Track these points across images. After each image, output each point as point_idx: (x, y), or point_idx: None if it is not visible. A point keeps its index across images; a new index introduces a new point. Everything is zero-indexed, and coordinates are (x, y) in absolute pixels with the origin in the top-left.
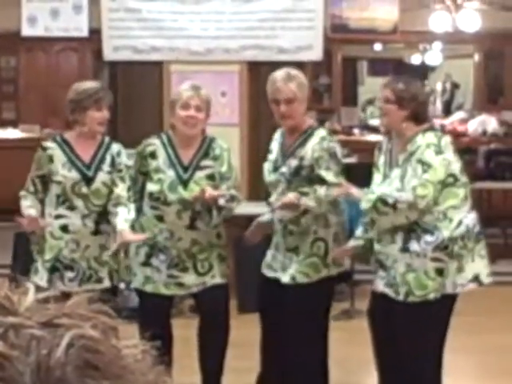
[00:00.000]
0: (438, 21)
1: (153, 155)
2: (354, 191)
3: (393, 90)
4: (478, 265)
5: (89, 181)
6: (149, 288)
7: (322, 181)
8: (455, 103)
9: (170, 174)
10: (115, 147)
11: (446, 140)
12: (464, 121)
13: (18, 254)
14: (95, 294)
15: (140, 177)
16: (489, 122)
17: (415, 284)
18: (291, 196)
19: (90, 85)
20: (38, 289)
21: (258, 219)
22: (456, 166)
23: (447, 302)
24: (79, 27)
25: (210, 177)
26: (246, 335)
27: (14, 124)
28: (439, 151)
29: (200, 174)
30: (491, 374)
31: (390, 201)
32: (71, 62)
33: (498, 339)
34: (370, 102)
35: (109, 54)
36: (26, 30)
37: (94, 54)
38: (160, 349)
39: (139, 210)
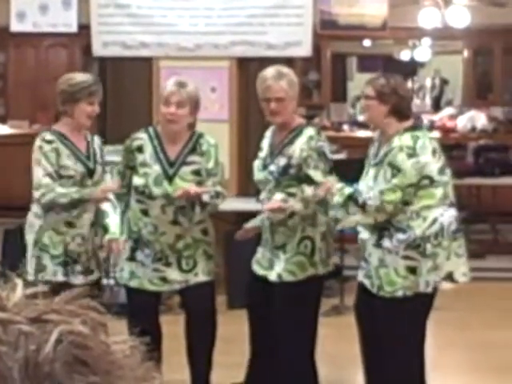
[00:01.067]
0: (427, 17)
1: (140, 149)
2: (338, 186)
3: (373, 86)
4: (454, 263)
5: (91, 173)
6: (134, 283)
7: (311, 180)
8: (444, 99)
9: (155, 169)
10: (97, 140)
11: (424, 141)
12: (453, 117)
13: (7, 251)
14: (84, 289)
15: (127, 171)
16: (478, 118)
17: (385, 280)
18: (278, 199)
19: (84, 77)
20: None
21: (245, 226)
22: (434, 166)
23: (421, 300)
24: (68, 23)
25: (196, 172)
26: (235, 331)
27: (2, 120)
28: (413, 154)
29: (186, 170)
30: (479, 369)
31: (360, 201)
32: (60, 57)
33: (486, 335)
34: (360, 98)
35: (98, 50)
36: (15, 26)
37: (83, 50)
38: (149, 344)
39: (127, 205)
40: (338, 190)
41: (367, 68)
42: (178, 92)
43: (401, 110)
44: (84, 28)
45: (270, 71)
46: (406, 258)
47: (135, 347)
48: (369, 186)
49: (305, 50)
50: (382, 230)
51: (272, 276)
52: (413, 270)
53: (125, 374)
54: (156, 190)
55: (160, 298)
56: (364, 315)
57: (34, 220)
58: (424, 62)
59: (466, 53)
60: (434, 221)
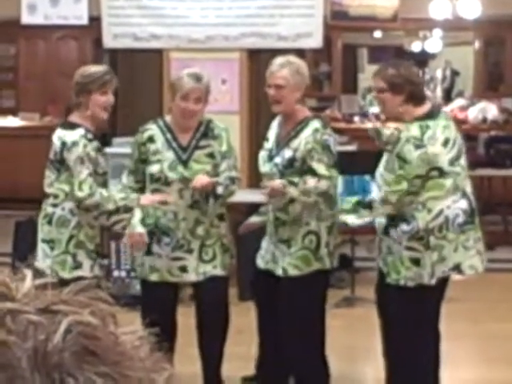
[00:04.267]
0: (438, 8)
1: (151, 139)
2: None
3: (383, 78)
4: (461, 255)
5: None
6: (154, 277)
7: (313, 173)
8: (455, 90)
9: (168, 155)
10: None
11: (434, 131)
12: (464, 108)
13: (18, 243)
14: (93, 281)
15: (140, 166)
16: (489, 109)
17: (392, 267)
18: (277, 182)
19: (96, 68)
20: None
21: (246, 221)
22: (444, 157)
23: (427, 292)
24: (79, 15)
25: (210, 155)
26: (246, 322)
27: (13, 112)
28: (420, 145)
29: (200, 153)
30: (489, 361)
31: (366, 201)
32: (71, 49)
33: (496, 327)
34: (370, 89)
35: (109, 42)
36: (26, 18)
37: (94, 42)
38: (159, 336)
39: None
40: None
41: (378, 59)
42: (197, 88)
43: (416, 96)
44: (95, 20)
45: (278, 59)
46: (409, 248)
47: (144, 338)
48: (381, 173)
49: (316, 41)
50: (388, 219)
51: (277, 270)
52: (416, 262)
53: (134, 365)
54: (171, 175)
55: (178, 289)
56: (379, 300)
57: (68, 217)
58: (435, 53)
59: (476, 44)
60: (440, 213)
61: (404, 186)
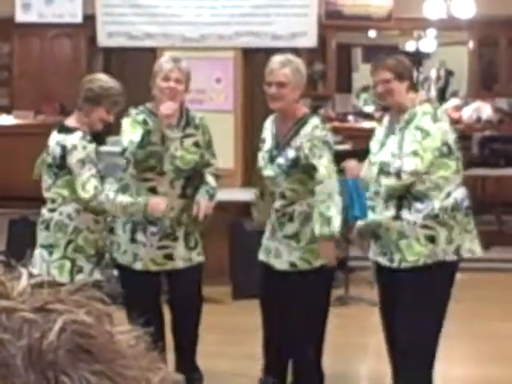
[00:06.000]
0: (433, 7)
1: (145, 122)
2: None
3: (388, 68)
4: (463, 238)
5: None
6: (138, 266)
7: (314, 170)
8: (450, 90)
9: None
10: None
11: (442, 110)
12: (458, 108)
13: (12, 241)
14: (90, 280)
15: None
16: (483, 109)
17: (407, 250)
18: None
19: (113, 84)
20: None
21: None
22: (451, 136)
23: (442, 268)
24: (73, 13)
25: (196, 144)
26: (240, 321)
27: (7, 110)
28: (436, 119)
29: (189, 142)
30: (484, 360)
31: (392, 170)
32: (65, 48)
33: (490, 326)
34: (365, 89)
35: (103, 40)
36: (20, 16)
37: (88, 40)
38: (153, 334)
39: (125, 187)
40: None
41: (372, 59)
42: (176, 69)
43: (414, 82)
44: (89, 18)
45: (277, 57)
46: (424, 227)
47: (140, 337)
48: (394, 153)
49: (310, 40)
50: (400, 200)
51: (282, 265)
52: (432, 239)
53: (129, 364)
54: (167, 166)
55: (160, 278)
56: (380, 290)
57: (66, 221)
58: (429, 52)
59: (471, 44)
60: (449, 194)
61: (429, 156)
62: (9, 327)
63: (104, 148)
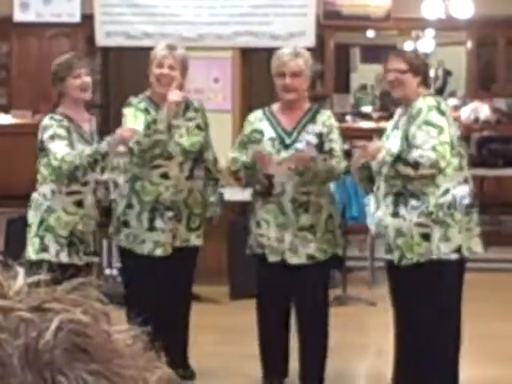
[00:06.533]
0: (431, 7)
1: (147, 111)
2: (372, 150)
3: (405, 60)
4: (463, 237)
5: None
6: (158, 252)
7: (329, 155)
8: (447, 90)
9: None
10: (94, 122)
11: (446, 104)
12: (456, 108)
13: (10, 240)
14: (87, 279)
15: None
16: (481, 110)
17: (406, 247)
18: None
19: (64, 56)
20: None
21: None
22: (454, 132)
23: (443, 268)
24: (71, 13)
25: (198, 126)
26: (237, 321)
27: (5, 110)
28: (442, 113)
29: (192, 125)
30: (481, 360)
31: (411, 160)
32: (63, 47)
33: (488, 326)
34: (363, 88)
35: (101, 40)
36: (18, 16)
37: (87, 40)
38: (150, 334)
39: (135, 178)
40: (385, 151)
41: (370, 59)
42: (170, 56)
43: (427, 79)
44: (87, 18)
45: (286, 49)
46: (419, 225)
47: (137, 336)
48: (394, 147)
49: (308, 40)
50: (397, 196)
51: (298, 259)
52: (426, 237)
53: (126, 363)
54: (175, 150)
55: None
56: (390, 288)
57: (41, 200)
58: (427, 52)
59: (469, 44)
60: (447, 191)
61: (447, 150)
62: (5, 327)
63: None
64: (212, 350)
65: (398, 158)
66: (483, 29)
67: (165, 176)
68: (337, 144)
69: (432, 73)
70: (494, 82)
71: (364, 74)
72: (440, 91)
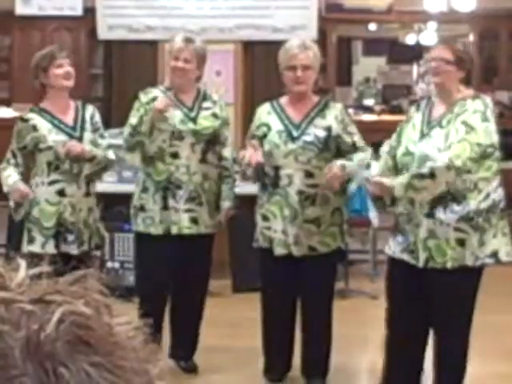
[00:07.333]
0: (433, 0)
1: (155, 100)
2: (387, 182)
3: (453, 51)
4: (499, 241)
5: (77, 141)
6: (174, 230)
7: (353, 148)
8: None
9: (176, 113)
10: (90, 108)
11: (491, 109)
12: None
13: (12, 233)
14: (89, 271)
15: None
16: None
17: (436, 251)
18: (338, 165)
19: (44, 49)
20: (36, 257)
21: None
22: (496, 137)
23: (469, 275)
24: (73, 6)
25: (214, 115)
26: (240, 315)
27: (7, 103)
28: (485, 119)
29: (205, 113)
30: (488, 354)
31: (426, 171)
32: (65, 41)
33: (496, 319)
34: (366, 81)
35: (103, 33)
36: (21, 9)
37: (89, 33)
38: (152, 327)
39: (145, 160)
40: (393, 184)
41: (372, 52)
42: (186, 48)
43: (470, 77)
44: (89, 11)
45: (296, 41)
46: (457, 230)
47: (139, 329)
48: (439, 148)
49: (310, 33)
50: (437, 198)
51: (300, 251)
52: (461, 243)
53: (127, 355)
54: (184, 128)
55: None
56: (398, 287)
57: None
58: (429, 45)
59: (471, 37)
60: (487, 195)
61: (467, 149)
62: (7, 318)
63: (104, 141)
64: (214, 343)
65: (411, 178)
66: (485, 22)
67: (175, 156)
68: (357, 135)
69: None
70: (495, 75)
71: (366, 67)
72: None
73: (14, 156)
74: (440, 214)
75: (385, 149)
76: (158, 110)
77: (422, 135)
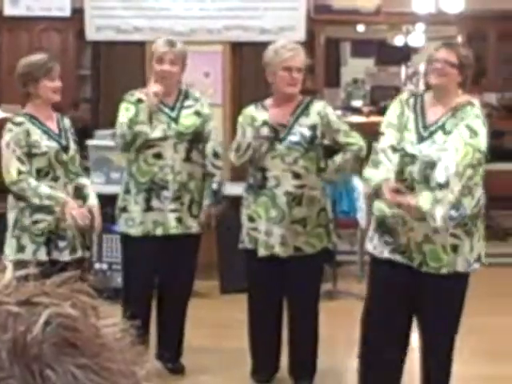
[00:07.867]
0: (421, 2)
1: (140, 101)
2: (411, 201)
3: (458, 54)
4: (481, 245)
5: (65, 149)
6: (159, 231)
7: (342, 145)
8: None
9: (159, 116)
10: (67, 121)
11: (485, 115)
12: None
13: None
14: (76, 273)
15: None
16: None
17: (431, 256)
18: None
19: (39, 56)
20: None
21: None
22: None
23: (461, 279)
24: (62, 7)
25: (197, 113)
26: (228, 316)
27: None
28: (484, 124)
29: (187, 112)
30: (477, 356)
31: (441, 181)
32: (54, 41)
33: (480, 321)
34: (354, 82)
35: (91, 34)
36: (8, 10)
37: (77, 34)
38: (139, 328)
39: (131, 162)
40: (421, 204)
41: (361, 53)
42: (170, 51)
43: (466, 82)
44: (77, 12)
45: (289, 44)
46: (452, 235)
47: (126, 330)
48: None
49: (298, 34)
50: (431, 206)
51: (286, 251)
52: (455, 249)
53: (114, 357)
54: (169, 131)
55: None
56: (386, 287)
57: (14, 201)
58: (418, 47)
59: (459, 38)
60: (478, 201)
61: (471, 153)
62: None
63: (92, 142)
64: (202, 344)
65: (426, 169)
66: (474, 23)
67: (159, 156)
68: (342, 131)
69: (422, 68)
70: (483, 77)
71: (354, 68)
72: (430, 86)
73: (23, 162)
74: (438, 219)
75: (385, 144)
76: (154, 93)
77: (421, 138)
